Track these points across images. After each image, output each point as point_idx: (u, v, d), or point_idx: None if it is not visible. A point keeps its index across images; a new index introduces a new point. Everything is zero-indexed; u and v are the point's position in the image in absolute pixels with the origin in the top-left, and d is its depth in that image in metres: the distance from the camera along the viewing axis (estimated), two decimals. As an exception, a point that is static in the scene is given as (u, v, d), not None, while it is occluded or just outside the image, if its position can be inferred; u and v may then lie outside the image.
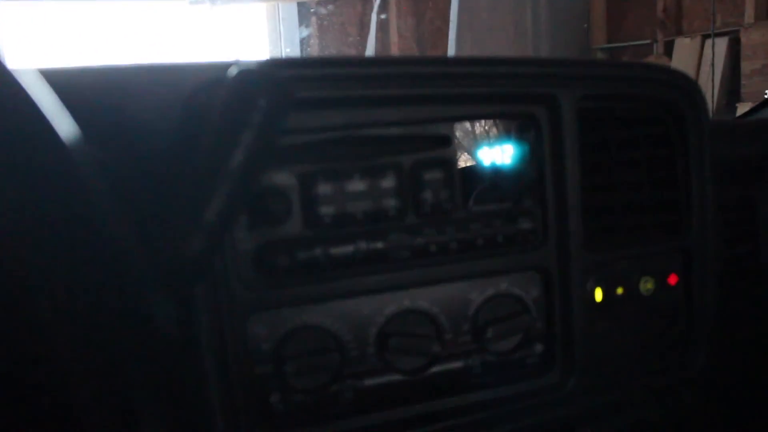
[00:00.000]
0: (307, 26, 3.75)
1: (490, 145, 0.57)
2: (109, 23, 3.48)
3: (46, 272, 0.28)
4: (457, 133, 0.56)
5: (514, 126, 0.58)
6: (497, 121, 0.58)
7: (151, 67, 0.51)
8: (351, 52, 3.95)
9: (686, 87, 0.64)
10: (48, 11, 3.35)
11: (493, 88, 0.55)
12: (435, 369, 0.56)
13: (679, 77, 0.64)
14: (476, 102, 0.55)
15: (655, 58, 3.99)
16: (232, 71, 0.41)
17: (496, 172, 0.57)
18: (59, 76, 0.47)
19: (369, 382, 0.54)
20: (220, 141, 0.38)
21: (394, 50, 4.00)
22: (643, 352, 0.65)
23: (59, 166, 0.31)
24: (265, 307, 0.51)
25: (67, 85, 0.47)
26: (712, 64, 3.55)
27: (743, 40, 3.51)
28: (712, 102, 3.51)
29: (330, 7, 3.83)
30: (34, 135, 0.30)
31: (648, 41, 4.10)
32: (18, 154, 0.29)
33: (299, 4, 3.77)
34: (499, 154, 0.58)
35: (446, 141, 0.55)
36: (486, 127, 0.57)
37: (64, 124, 0.32)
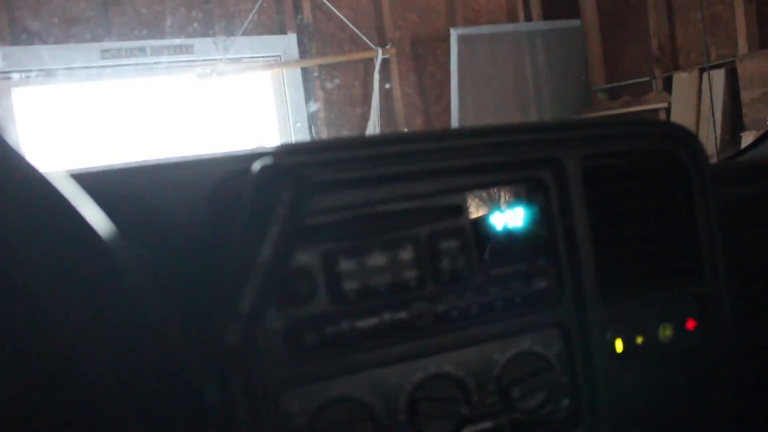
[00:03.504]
0: (314, 100, 3.86)
1: (501, 209, 0.60)
2: (122, 100, 3.58)
3: (104, 365, 0.31)
4: (469, 201, 0.58)
5: (522, 190, 0.61)
6: (506, 187, 0.60)
7: (175, 162, 0.54)
8: (356, 112, 4.02)
9: (684, 138, 0.67)
10: (59, 92, 3.46)
11: (499, 157, 0.58)
12: (465, 431, 0.58)
13: (676, 129, 0.67)
14: (484, 171, 0.58)
15: (655, 94, 4.05)
16: (256, 166, 0.44)
17: (509, 235, 0.60)
18: (88, 177, 0.50)
19: None
20: (248, 235, 0.41)
21: (399, 107, 4.07)
22: (668, 399, 0.66)
23: (103, 265, 0.34)
24: (297, 383, 0.53)
25: (96, 185, 0.50)
26: (711, 98, 3.60)
27: (739, 70, 3.56)
28: (716, 133, 3.54)
29: (336, 81, 3.94)
30: (76, 237, 0.33)
31: (647, 78, 4.16)
32: (64, 257, 0.32)
33: (303, 74, 3.88)
34: (510, 217, 0.60)
35: (458, 210, 0.58)
36: (496, 193, 0.60)
37: (102, 225, 0.35)
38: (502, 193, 0.60)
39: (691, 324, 0.67)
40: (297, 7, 3.88)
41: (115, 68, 3.48)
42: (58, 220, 0.32)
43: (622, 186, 0.66)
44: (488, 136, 0.58)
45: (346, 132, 3.97)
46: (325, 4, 3.89)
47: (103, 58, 3.40)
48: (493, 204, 0.60)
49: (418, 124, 4.21)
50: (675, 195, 0.67)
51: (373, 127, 3.90)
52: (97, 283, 0.33)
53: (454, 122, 3.98)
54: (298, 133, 3.85)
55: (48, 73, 3.33)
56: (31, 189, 0.31)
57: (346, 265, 0.54)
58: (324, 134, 3.89)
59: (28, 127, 3.35)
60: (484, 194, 0.59)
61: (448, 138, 0.58)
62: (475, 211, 0.59)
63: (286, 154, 0.52)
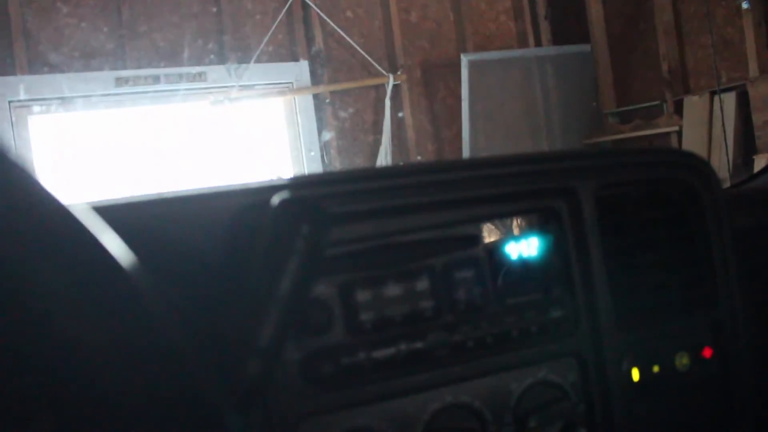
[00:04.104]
0: (327, 129, 3.90)
1: (516, 239, 0.60)
2: (137, 127, 3.63)
3: (124, 391, 0.31)
4: (484, 231, 0.59)
5: (536, 219, 0.61)
6: (520, 216, 0.61)
7: (193, 194, 0.54)
8: (368, 139, 4.05)
9: (697, 165, 0.67)
10: (76, 120, 3.51)
11: (513, 187, 0.59)
12: None
13: (689, 158, 0.67)
14: (499, 201, 0.59)
15: (666, 118, 4.04)
16: (274, 200, 0.45)
17: (524, 265, 0.60)
18: (108, 209, 0.50)
19: None
20: (268, 269, 0.42)
21: (410, 133, 4.09)
22: (686, 429, 0.65)
23: (124, 293, 0.34)
24: (315, 414, 0.53)
25: (116, 217, 0.51)
26: (723, 122, 3.59)
27: (751, 93, 3.56)
28: (728, 156, 3.53)
29: (348, 108, 3.98)
30: (98, 266, 0.34)
31: (657, 102, 4.16)
32: (85, 285, 0.32)
33: (315, 102, 3.92)
34: (525, 246, 0.60)
35: (473, 240, 0.58)
36: (510, 223, 0.60)
37: (123, 254, 0.36)
38: (517, 223, 0.60)
39: (707, 352, 0.67)
40: (309, 35, 3.93)
41: (130, 96, 3.53)
42: (80, 249, 0.33)
43: (636, 214, 0.66)
44: (502, 167, 0.59)
45: (358, 160, 3.99)
46: (336, 31, 3.94)
47: (118, 86, 3.45)
48: (508, 234, 0.60)
49: (429, 150, 4.22)
50: (689, 223, 0.67)
51: (384, 153, 3.91)
52: (117, 310, 0.33)
53: (465, 148, 4.00)
54: (311, 161, 3.88)
55: (65, 101, 3.38)
56: (53, 219, 0.32)
57: (362, 295, 0.54)
58: (336, 162, 3.92)
59: (44, 155, 3.40)
60: (498, 224, 0.60)
61: (462, 169, 0.58)
62: (489, 241, 0.59)
63: (303, 186, 0.53)
